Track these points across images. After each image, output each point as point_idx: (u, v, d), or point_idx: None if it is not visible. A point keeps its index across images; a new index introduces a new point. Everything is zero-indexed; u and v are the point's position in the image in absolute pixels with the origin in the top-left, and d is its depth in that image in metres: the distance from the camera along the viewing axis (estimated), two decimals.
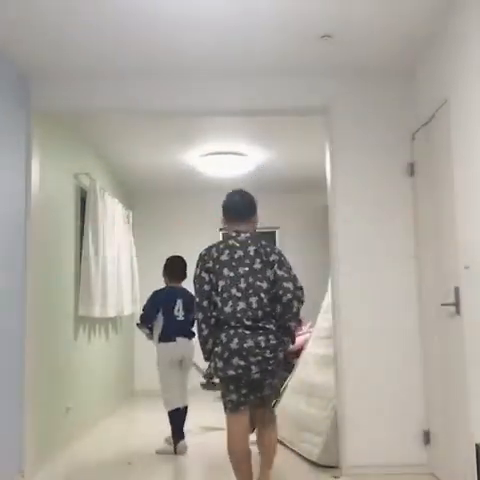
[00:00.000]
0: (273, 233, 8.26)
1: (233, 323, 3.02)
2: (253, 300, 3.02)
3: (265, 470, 3.15)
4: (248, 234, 3.18)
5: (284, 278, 3.03)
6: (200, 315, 3.13)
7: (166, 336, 4.74)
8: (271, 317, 3.06)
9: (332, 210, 4.06)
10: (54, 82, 4.06)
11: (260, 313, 3.01)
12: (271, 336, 3.00)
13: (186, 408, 4.75)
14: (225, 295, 3.06)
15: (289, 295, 3.00)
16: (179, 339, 4.72)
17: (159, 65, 3.90)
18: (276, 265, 3.06)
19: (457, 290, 3.17)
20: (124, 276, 6.35)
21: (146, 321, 4.87)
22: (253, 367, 2.94)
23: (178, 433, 4.56)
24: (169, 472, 4.24)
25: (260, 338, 2.98)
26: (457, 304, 3.17)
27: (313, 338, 4.96)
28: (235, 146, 5.84)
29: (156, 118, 4.90)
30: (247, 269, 3.06)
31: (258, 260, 3.07)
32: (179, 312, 4.76)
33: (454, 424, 3.32)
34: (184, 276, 4.90)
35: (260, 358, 2.95)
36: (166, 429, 4.64)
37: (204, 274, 3.12)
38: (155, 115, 4.60)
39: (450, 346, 3.34)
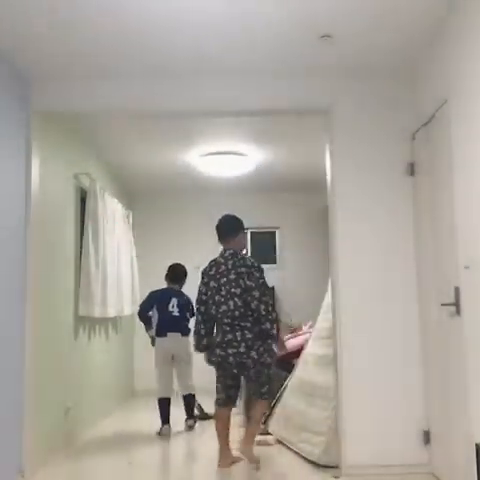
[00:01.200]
0: (273, 233, 8.25)
1: (217, 322, 3.96)
2: (231, 303, 3.88)
3: (244, 441, 4.04)
4: (231, 251, 4.01)
5: (252, 287, 3.86)
6: (199, 317, 4.06)
7: (160, 331, 5.30)
8: (247, 316, 3.88)
9: (332, 210, 4.06)
10: (54, 82, 4.06)
11: (237, 313, 3.88)
12: (246, 331, 3.86)
13: (192, 396, 5.35)
14: (211, 301, 4.00)
15: (256, 301, 3.84)
16: (170, 334, 5.25)
17: (159, 65, 3.90)
18: (246, 276, 3.87)
19: (457, 290, 3.17)
20: (124, 276, 6.34)
21: (141, 315, 5.45)
22: (230, 358, 3.86)
23: (163, 420, 5.14)
24: (169, 472, 4.24)
25: (237, 333, 3.86)
26: (457, 304, 3.17)
27: (313, 338, 4.96)
28: (235, 146, 5.83)
29: (156, 118, 4.90)
30: (225, 279, 3.93)
31: (233, 271, 3.91)
32: (174, 308, 5.31)
33: (454, 424, 3.31)
34: (182, 280, 5.57)
35: (235, 351, 3.83)
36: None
37: (202, 287, 4.09)
38: (155, 115, 4.59)
39: (450, 346, 3.34)
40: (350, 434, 3.82)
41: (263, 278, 3.93)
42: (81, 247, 5.18)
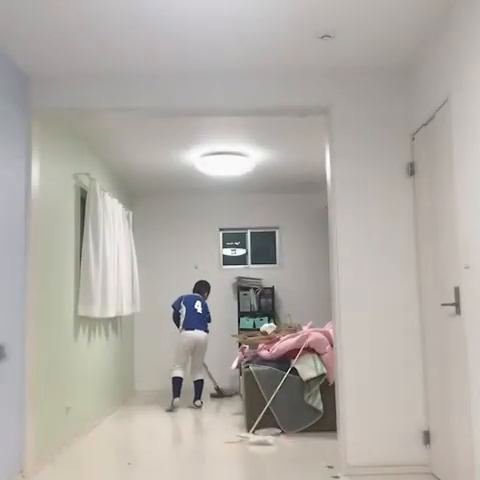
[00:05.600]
0: (273, 233, 8.27)
1: None
2: None
3: None
4: None
5: None
6: None
7: (187, 325, 6.61)
8: None
9: (332, 210, 4.06)
10: (54, 82, 4.06)
11: None
12: None
13: (202, 381, 6.60)
14: None
15: None
16: (196, 330, 6.57)
17: (159, 65, 3.90)
18: None
19: (457, 290, 3.17)
20: (124, 276, 6.35)
21: (174, 316, 6.74)
22: None
23: (175, 394, 6.39)
24: (169, 472, 4.23)
25: None
26: (457, 304, 3.17)
27: None
28: (235, 146, 5.84)
29: (156, 118, 4.90)
30: None
31: None
32: (198, 307, 6.75)
33: (454, 424, 3.32)
34: (204, 291, 7.04)
35: None
36: (165, 429, 4.73)
37: None
38: (155, 115, 4.60)
39: (450, 346, 3.34)
40: (350, 434, 3.82)
41: None
42: (81, 247, 5.18)
